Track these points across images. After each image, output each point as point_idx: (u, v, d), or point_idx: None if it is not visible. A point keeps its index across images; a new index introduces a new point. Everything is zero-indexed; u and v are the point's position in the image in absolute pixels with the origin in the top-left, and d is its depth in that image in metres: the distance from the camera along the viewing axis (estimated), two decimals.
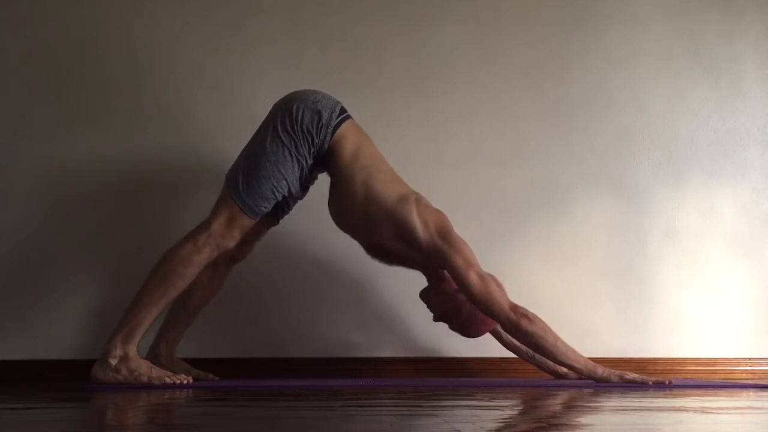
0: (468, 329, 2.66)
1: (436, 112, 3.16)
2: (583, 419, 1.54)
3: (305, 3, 3.21)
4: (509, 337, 2.71)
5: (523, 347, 2.73)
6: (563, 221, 3.14)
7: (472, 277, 2.49)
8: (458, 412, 1.66)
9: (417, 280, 3.07)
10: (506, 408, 1.72)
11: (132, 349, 2.47)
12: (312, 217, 3.06)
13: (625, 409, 1.68)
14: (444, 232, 2.54)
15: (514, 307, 2.50)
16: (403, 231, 2.54)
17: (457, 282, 2.53)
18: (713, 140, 3.21)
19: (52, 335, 3.00)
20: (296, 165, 2.55)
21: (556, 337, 2.51)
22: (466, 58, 3.20)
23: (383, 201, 2.54)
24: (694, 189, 3.19)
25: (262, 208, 2.55)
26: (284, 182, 2.54)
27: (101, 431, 1.33)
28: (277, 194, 2.55)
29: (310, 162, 2.58)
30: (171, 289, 2.50)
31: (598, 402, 1.90)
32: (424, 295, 2.68)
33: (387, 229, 2.56)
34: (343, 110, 2.61)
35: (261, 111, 3.15)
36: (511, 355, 2.90)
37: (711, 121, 3.22)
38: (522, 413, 1.63)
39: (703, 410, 1.65)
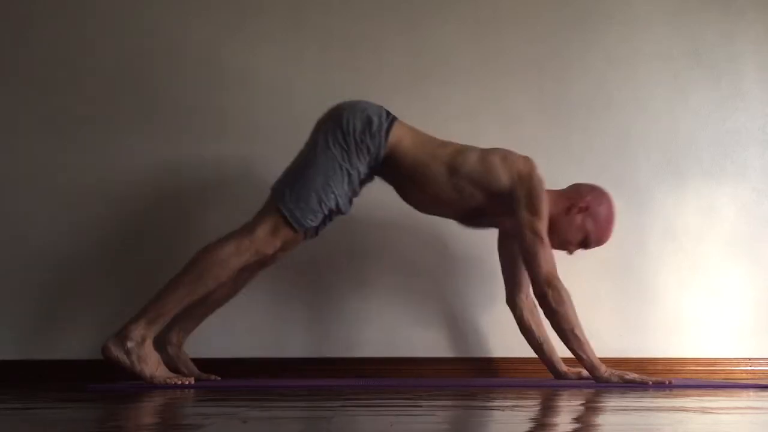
0: (601, 236, 2.69)
1: (436, 112, 3.16)
2: (584, 419, 1.54)
3: (305, 3, 3.21)
4: (527, 315, 2.76)
5: (536, 332, 2.76)
6: None
7: (528, 234, 2.53)
8: (458, 412, 1.66)
9: (416, 281, 3.07)
10: (506, 408, 1.72)
11: (151, 336, 2.48)
12: None
13: (625, 409, 1.68)
14: (524, 175, 2.58)
15: (553, 277, 2.52)
16: (491, 184, 2.59)
17: (516, 226, 2.55)
18: (713, 140, 3.22)
19: (52, 335, 3.00)
20: (346, 178, 2.54)
21: (576, 324, 2.53)
22: (466, 58, 3.20)
23: (468, 166, 2.60)
24: (694, 189, 3.19)
25: (309, 221, 2.54)
26: (332, 195, 2.54)
27: (101, 431, 1.33)
28: (324, 208, 2.54)
29: (364, 172, 2.58)
30: (203, 288, 2.50)
31: (599, 402, 1.90)
32: None
33: (479, 190, 2.60)
34: (388, 113, 2.62)
35: (260, 111, 3.16)
36: (510, 355, 2.91)
37: (711, 121, 3.23)
38: (522, 413, 1.63)
39: (703, 410, 1.65)
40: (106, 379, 2.67)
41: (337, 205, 2.56)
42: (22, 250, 3.05)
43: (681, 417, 1.54)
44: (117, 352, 2.45)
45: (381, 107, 2.62)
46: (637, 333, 3.09)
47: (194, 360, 2.77)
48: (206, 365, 2.82)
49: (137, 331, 2.46)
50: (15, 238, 3.06)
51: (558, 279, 2.53)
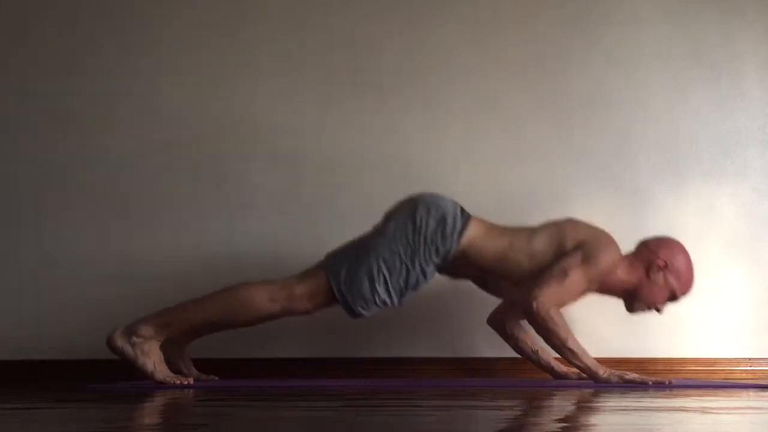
0: (687, 287, 2.66)
1: (436, 112, 3.17)
2: (584, 419, 1.54)
3: (305, 3, 3.21)
4: (516, 329, 2.75)
5: (528, 342, 2.75)
6: None
7: (557, 267, 2.50)
8: (458, 412, 1.66)
9: None
10: (506, 408, 1.72)
11: (157, 339, 2.49)
12: (312, 216, 3.07)
13: (625, 409, 1.68)
14: (591, 235, 2.55)
15: (544, 297, 2.47)
16: (564, 251, 2.57)
17: (553, 264, 2.53)
18: (713, 140, 3.21)
19: (52, 335, 3.00)
20: (403, 274, 2.52)
21: (568, 336, 2.50)
22: (466, 58, 3.20)
23: (544, 246, 2.58)
24: (694, 189, 3.18)
25: (360, 308, 2.51)
26: (385, 287, 2.51)
27: (103, 431, 1.33)
28: (377, 299, 2.51)
29: (429, 272, 2.54)
30: (222, 318, 2.52)
31: (599, 402, 1.90)
32: (632, 310, 2.69)
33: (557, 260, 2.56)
34: (463, 211, 2.59)
35: (261, 112, 3.16)
36: (512, 355, 2.90)
37: (711, 121, 3.22)
38: (523, 414, 1.63)
39: (703, 410, 1.65)
40: (106, 379, 2.67)
41: (390, 298, 2.53)
42: (23, 252, 3.05)
43: (681, 417, 1.54)
44: (122, 343, 2.46)
45: (456, 204, 2.59)
46: (637, 333, 3.08)
47: (194, 360, 2.77)
48: (206, 365, 2.82)
49: (146, 329, 2.47)
50: (17, 239, 3.06)
51: (549, 302, 2.49)
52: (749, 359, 3.10)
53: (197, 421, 1.47)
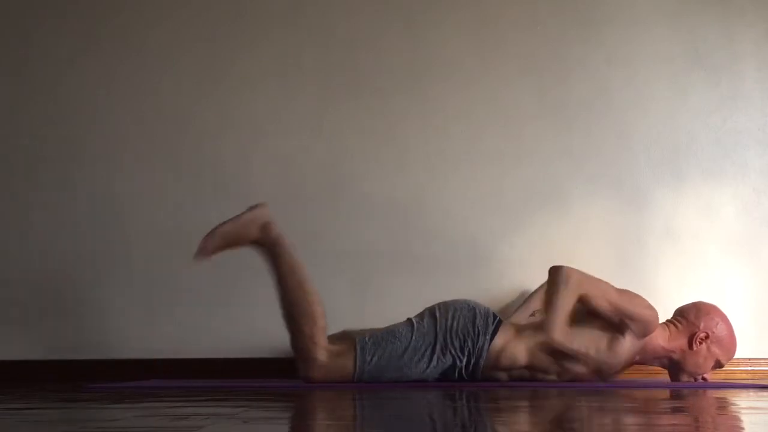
0: (731, 353, 2.69)
1: (436, 112, 3.17)
2: (584, 419, 1.54)
3: (305, 3, 3.21)
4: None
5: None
6: (563, 221, 3.14)
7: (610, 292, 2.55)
8: (458, 412, 1.66)
9: (418, 279, 3.07)
10: (508, 408, 1.71)
11: (264, 241, 2.56)
12: (313, 214, 3.07)
13: (625, 409, 1.67)
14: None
15: (577, 273, 2.53)
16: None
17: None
18: (713, 140, 3.21)
19: (52, 335, 3.00)
20: (424, 369, 2.55)
21: (562, 308, 2.51)
22: (466, 58, 3.20)
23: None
24: (694, 189, 3.19)
25: (364, 355, 2.55)
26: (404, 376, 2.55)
27: (102, 431, 1.33)
28: (393, 362, 2.55)
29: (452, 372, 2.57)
30: (292, 293, 2.56)
31: (598, 402, 1.90)
32: (678, 380, 2.70)
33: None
34: (495, 315, 2.60)
35: (261, 112, 3.16)
36: None
37: (711, 121, 3.22)
38: (524, 414, 1.63)
39: (704, 410, 1.65)
40: (105, 379, 2.67)
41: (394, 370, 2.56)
42: (23, 253, 3.05)
43: (681, 417, 1.54)
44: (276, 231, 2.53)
45: (489, 311, 2.60)
46: None
47: (192, 360, 2.78)
48: (205, 365, 2.82)
49: (274, 232, 2.54)
50: (17, 239, 3.06)
51: (579, 274, 2.53)
52: (749, 359, 3.10)
53: (197, 421, 1.47)
